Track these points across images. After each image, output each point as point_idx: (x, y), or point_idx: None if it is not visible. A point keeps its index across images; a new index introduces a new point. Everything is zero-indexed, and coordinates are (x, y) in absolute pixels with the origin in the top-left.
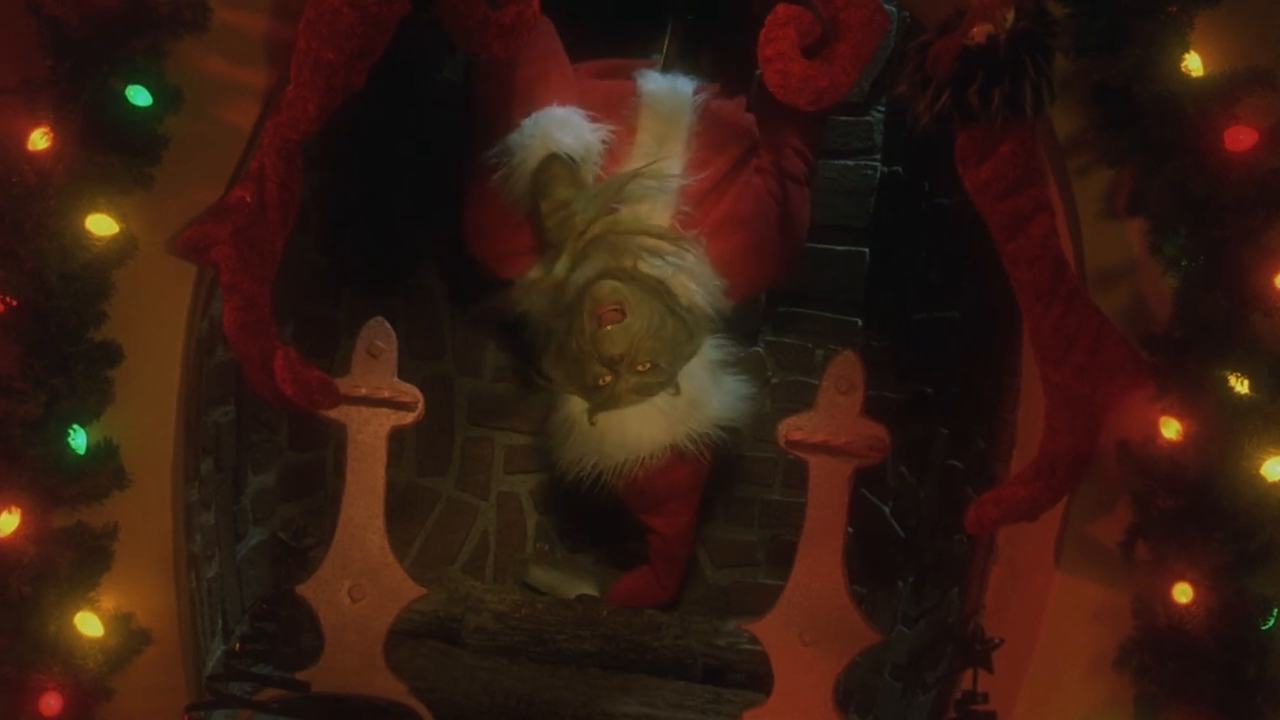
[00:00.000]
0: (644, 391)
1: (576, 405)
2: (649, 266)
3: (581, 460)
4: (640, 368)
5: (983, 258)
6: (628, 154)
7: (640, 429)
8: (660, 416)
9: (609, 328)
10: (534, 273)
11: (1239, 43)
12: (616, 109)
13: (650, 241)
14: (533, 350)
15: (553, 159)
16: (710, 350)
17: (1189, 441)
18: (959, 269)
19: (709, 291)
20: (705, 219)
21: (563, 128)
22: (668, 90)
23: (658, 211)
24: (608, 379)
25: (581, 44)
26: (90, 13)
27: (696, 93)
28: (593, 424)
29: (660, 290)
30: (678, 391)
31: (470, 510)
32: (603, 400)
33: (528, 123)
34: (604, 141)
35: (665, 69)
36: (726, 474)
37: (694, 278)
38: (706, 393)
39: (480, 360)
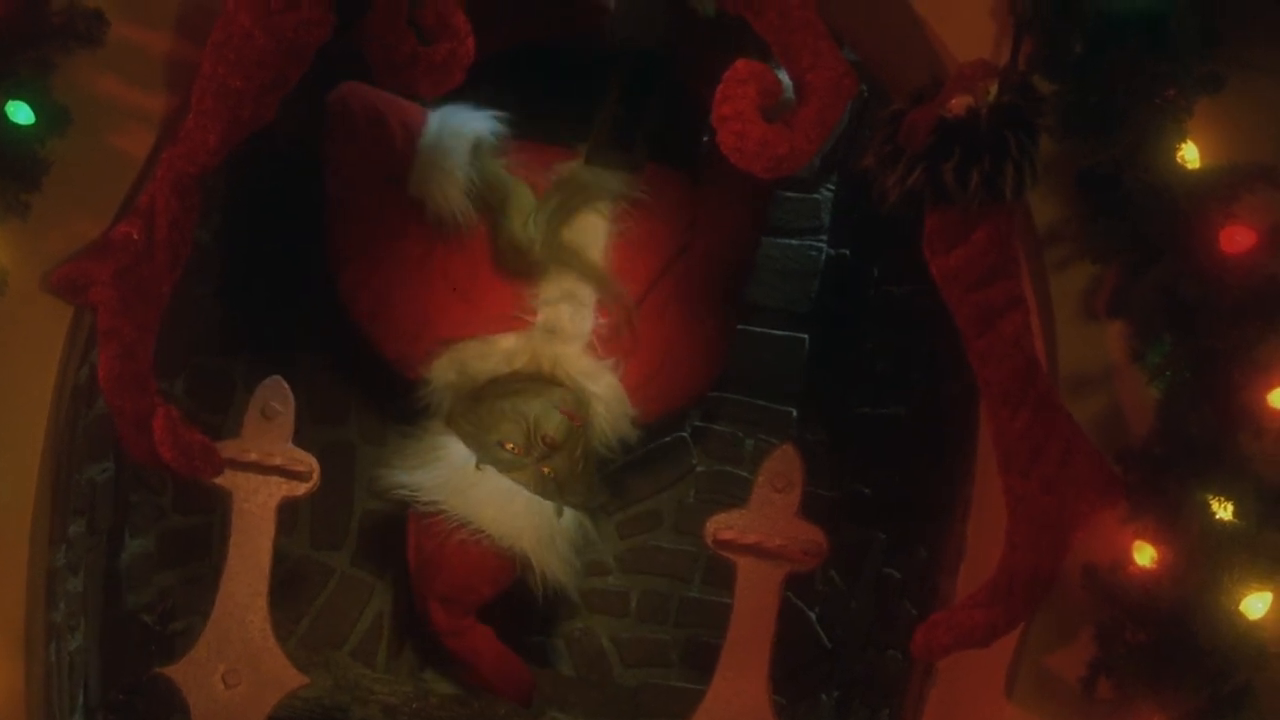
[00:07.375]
0: (539, 485)
1: (460, 446)
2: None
3: (434, 490)
4: (545, 469)
5: (936, 351)
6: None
7: (502, 507)
8: (524, 510)
9: (560, 414)
10: (442, 371)
11: (1241, 134)
12: None
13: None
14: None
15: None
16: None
17: (1163, 570)
18: (908, 362)
19: (617, 420)
20: (622, 344)
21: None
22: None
23: (574, 334)
24: (512, 448)
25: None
26: None
27: (617, 198)
28: (478, 469)
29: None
30: (560, 514)
31: (365, 589)
32: (498, 459)
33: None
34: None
35: (591, 159)
36: (642, 567)
37: (607, 406)
38: (555, 532)
39: (386, 428)
